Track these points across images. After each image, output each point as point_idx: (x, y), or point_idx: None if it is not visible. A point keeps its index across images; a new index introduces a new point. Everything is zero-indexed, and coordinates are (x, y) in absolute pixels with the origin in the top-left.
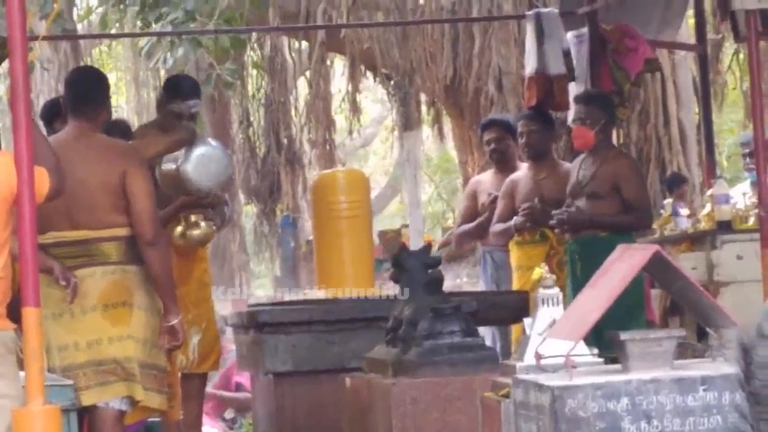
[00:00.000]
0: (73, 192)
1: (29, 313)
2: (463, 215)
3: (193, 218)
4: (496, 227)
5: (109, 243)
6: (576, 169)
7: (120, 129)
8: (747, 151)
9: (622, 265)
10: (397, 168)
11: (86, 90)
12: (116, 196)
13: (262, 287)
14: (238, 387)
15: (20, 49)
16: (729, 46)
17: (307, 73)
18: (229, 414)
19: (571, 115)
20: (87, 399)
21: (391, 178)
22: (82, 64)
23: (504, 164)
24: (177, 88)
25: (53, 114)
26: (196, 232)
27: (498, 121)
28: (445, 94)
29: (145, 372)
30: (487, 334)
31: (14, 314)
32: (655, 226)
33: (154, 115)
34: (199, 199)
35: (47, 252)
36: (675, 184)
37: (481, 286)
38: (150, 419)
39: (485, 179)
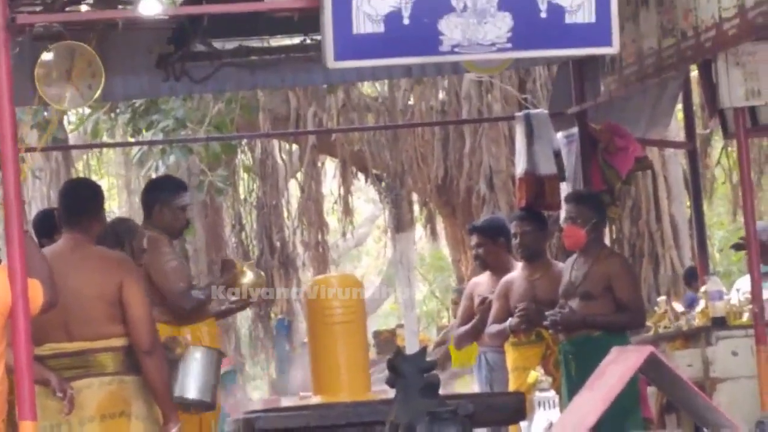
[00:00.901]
0: (69, 303)
1: (26, 427)
2: (461, 317)
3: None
4: (492, 328)
5: (106, 354)
6: (568, 269)
7: (127, 227)
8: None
9: (618, 367)
10: (391, 267)
11: (80, 202)
12: (112, 307)
13: (258, 389)
14: None
15: (12, 162)
16: (718, 140)
17: (299, 176)
18: None
19: (562, 214)
20: None
21: (384, 277)
22: (73, 171)
23: (491, 268)
24: (178, 183)
25: (50, 226)
26: (246, 280)
27: (477, 227)
28: (436, 193)
29: None
30: None
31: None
32: (649, 323)
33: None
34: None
35: (44, 364)
36: (694, 278)
37: (475, 387)
38: None
39: (482, 281)
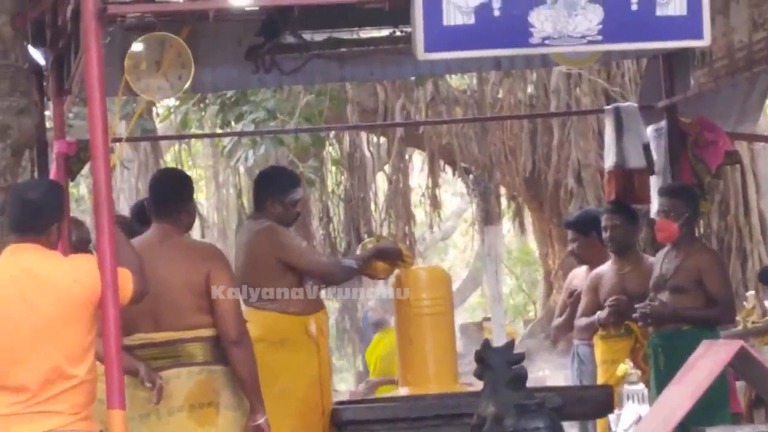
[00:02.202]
0: (158, 293)
1: (114, 416)
2: (560, 309)
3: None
4: (580, 321)
5: (194, 344)
6: (659, 262)
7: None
8: None
9: (707, 361)
10: (477, 260)
11: (169, 192)
12: (201, 297)
13: (345, 382)
14: None
15: (102, 152)
16: None
17: (386, 168)
18: None
19: (652, 208)
20: None
21: (471, 271)
22: (161, 162)
23: (586, 262)
24: (292, 178)
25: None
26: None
27: (571, 223)
28: (524, 187)
29: None
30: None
31: None
32: (738, 318)
33: (234, 213)
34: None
35: (133, 354)
36: None
37: (567, 380)
38: None
39: (580, 273)
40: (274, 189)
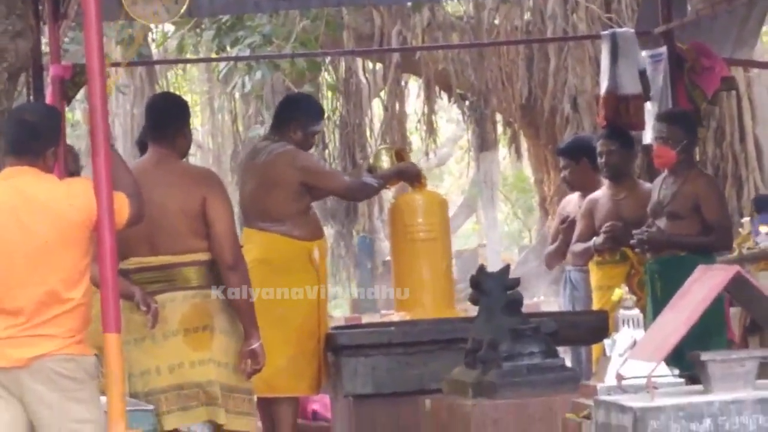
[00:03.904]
0: (154, 217)
1: (110, 339)
2: (553, 236)
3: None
4: (576, 247)
5: (190, 268)
6: (657, 188)
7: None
8: None
9: (703, 286)
10: (473, 187)
11: (165, 116)
12: (196, 221)
13: (339, 308)
14: (315, 415)
15: (98, 76)
16: None
17: (382, 95)
18: None
19: (646, 134)
20: (168, 423)
21: (466, 198)
22: (157, 87)
23: (578, 188)
24: (319, 109)
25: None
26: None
27: (562, 150)
28: (520, 113)
29: (229, 395)
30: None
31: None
32: (733, 244)
33: (230, 139)
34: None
35: (128, 278)
36: (765, 207)
37: (559, 306)
38: None
39: (573, 199)
40: (300, 116)
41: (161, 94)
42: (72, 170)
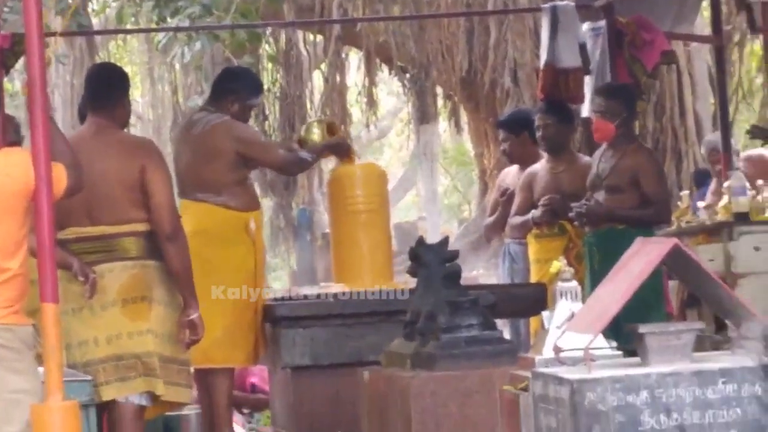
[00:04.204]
0: (92, 188)
1: (47, 309)
2: (491, 208)
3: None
4: (514, 220)
5: (128, 238)
6: (596, 162)
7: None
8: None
9: (641, 258)
10: (413, 160)
11: (104, 86)
12: (135, 191)
13: (279, 280)
14: (253, 388)
15: (37, 46)
16: (740, 38)
17: (323, 67)
18: (246, 409)
19: (585, 107)
20: (106, 394)
21: (406, 171)
22: (97, 58)
23: (518, 161)
24: (258, 84)
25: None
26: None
27: (502, 122)
28: (461, 86)
29: (167, 366)
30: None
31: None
32: (672, 218)
33: (170, 110)
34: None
35: (66, 248)
36: (703, 181)
37: (498, 278)
38: (170, 413)
39: (511, 171)
40: (239, 89)
41: (100, 64)
42: (13, 140)
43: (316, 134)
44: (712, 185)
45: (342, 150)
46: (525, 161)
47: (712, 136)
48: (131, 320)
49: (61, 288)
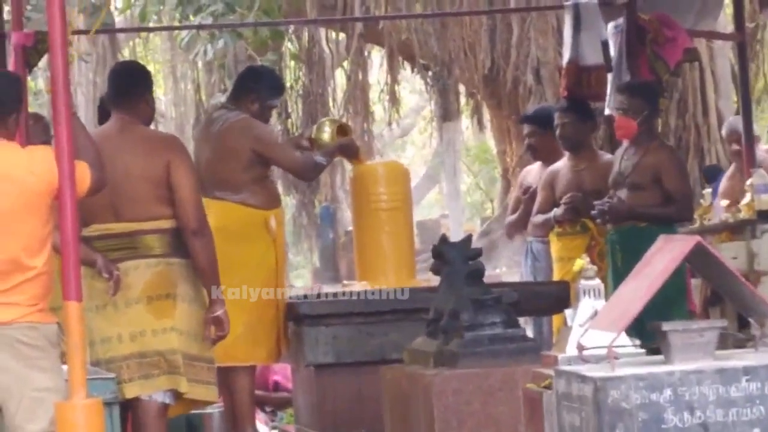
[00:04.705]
0: (117, 184)
1: (71, 308)
2: (513, 206)
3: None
4: (536, 218)
5: (153, 235)
6: (618, 159)
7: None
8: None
9: (664, 256)
10: (436, 158)
11: (127, 83)
12: (160, 188)
13: (301, 278)
14: (276, 386)
15: (60, 45)
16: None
17: (345, 64)
18: (269, 407)
19: (608, 105)
20: (130, 392)
21: (429, 168)
22: (119, 56)
23: (542, 158)
24: (280, 84)
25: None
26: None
27: (529, 117)
28: (483, 84)
29: (190, 364)
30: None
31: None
32: (694, 215)
33: (192, 108)
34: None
35: (90, 245)
36: (713, 177)
37: (521, 276)
38: (192, 412)
39: (533, 170)
40: (260, 88)
41: (124, 62)
42: (43, 140)
43: (327, 133)
44: (730, 170)
45: (351, 151)
46: (549, 157)
47: (733, 119)
48: (156, 317)
49: (85, 285)
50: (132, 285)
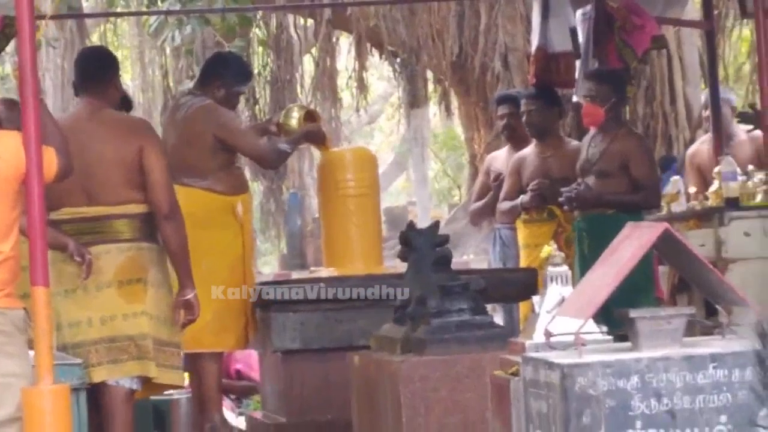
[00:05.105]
0: (89, 168)
1: (38, 293)
2: (478, 192)
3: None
4: (503, 205)
5: (124, 220)
6: (585, 146)
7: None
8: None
9: (632, 242)
10: (403, 145)
11: (96, 68)
12: (132, 172)
13: (268, 265)
14: (238, 374)
15: (28, 29)
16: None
17: (313, 51)
18: (232, 395)
19: (576, 92)
20: (97, 376)
21: (396, 155)
22: (87, 42)
23: (516, 140)
24: (248, 71)
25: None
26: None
27: (512, 96)
28: (451, 71)
29: (160, 349)
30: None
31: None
32: (662, 203)
33: (160, 94)
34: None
35: (59, 228)
36: (667, 166)
37: (489, 263)
38: (160, 397)
39: (500, 156)
40: (228, 74)
41: (91, 47)
42: (17, 126)
43: (295, 119)
44: (704, 136)
45: (318, 137)
46: (523, 141)
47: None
48: (127, 302)
49: (55, 269)
50: (103, 269)
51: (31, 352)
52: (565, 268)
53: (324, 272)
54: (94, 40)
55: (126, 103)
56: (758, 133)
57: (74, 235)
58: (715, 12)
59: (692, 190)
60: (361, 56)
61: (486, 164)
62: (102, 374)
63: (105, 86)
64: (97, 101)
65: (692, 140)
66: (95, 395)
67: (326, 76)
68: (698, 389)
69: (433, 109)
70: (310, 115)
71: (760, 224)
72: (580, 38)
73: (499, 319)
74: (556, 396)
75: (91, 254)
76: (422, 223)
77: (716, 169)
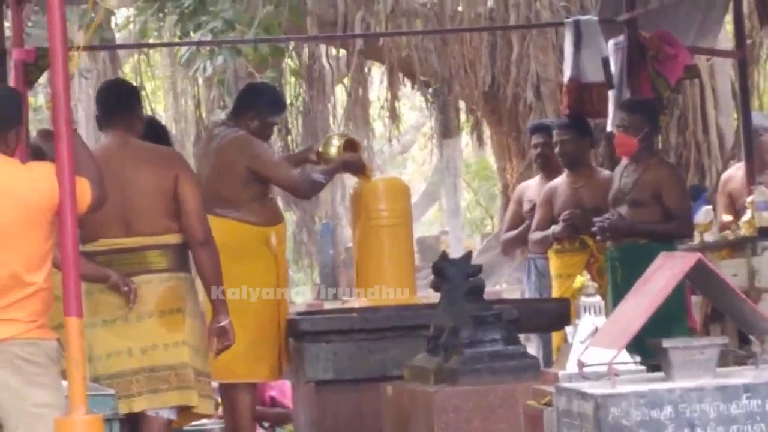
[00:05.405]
0: (127, 199)
1: (71, 324)
2: (509, 222)
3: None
4: (535, 235)
5: (159, 251)
6: (618, 176)
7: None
8: None
9: (665, 273)
10: (435, 175)
11: (120, 99)
12: (168, 200)
13: (301, 295)
14: (272, 402)
15: (61, 61)
16: (765, 52)
17: (345, 81)
18: (266, 423)
19: (609, 122)
20: (138, 405)
21: (429, 185)
22: (120, 73)
23: (548, 170)
24: (281, 102)
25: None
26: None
27: (545, 125)
28: (483, 101)
29: (198, 379)
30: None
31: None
32: (695, 232)
33: (192, 124)
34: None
35: (93, 260)
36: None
37: (523, 293)
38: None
39: (532, 185)
40: (261, 105)
41: (113, 80)
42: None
43: (335, 148)
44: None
45: (357, 167)
46: (556, 171)
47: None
48: (168, 331)
49: (93, 300)
50: (145, 299)
51: (64, 383)
52: (598, 298)
53: (357, 302)
54: (127, 70)
55: (164, 135)
56: None
57: (110, 265)
58: (748, 41)
59: (726, 218)
60: (393, 86)
61: (517, 193)
62: (142, 404)
63: (130, 118)
64: (125, 133)
65: (725, 169)
66: (131, 426)
67: (358, 106)
68: (732, 419)
69: (466, 139)
70: (350, 144)
71: None
72: (613, 68)
73: (532, 349)
74: (590, 426)
75: (134, 284)
76: (455, 253)
77: (749, 199)
